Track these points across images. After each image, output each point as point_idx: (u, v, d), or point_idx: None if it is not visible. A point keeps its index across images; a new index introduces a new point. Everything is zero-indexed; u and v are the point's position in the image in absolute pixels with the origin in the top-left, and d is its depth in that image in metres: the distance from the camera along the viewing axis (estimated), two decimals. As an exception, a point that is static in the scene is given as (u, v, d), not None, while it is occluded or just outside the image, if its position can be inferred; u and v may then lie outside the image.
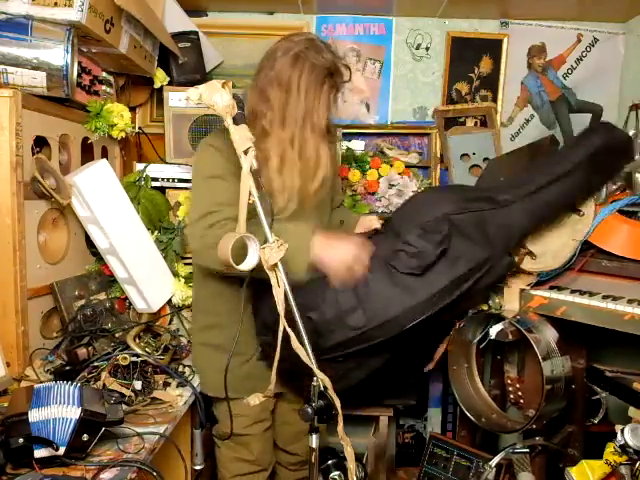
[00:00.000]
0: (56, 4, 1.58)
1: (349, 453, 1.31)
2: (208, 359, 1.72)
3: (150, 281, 1.92)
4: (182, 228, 2.15)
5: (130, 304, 1.98)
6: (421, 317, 1.49)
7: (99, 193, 1.80)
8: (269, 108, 1.57)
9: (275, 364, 1.41)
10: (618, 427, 1.44)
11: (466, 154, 2.63)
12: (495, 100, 2.74)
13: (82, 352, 1.65)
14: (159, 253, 2.03)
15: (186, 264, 2.12)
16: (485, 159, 2.59)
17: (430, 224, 1.55)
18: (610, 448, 1.45)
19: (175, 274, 2.05)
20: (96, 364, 1.61)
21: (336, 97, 1.66)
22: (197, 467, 1.83)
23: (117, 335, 1.80)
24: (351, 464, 1.31)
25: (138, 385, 1.56)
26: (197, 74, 2.42)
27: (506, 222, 1.63)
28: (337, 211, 1.97)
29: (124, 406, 1.45)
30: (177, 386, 1.69)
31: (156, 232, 2.14)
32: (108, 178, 1.87)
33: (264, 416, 1.77)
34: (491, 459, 1.84)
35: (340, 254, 1.50)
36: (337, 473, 1.69)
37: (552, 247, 1.76)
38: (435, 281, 1.51)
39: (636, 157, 1.88)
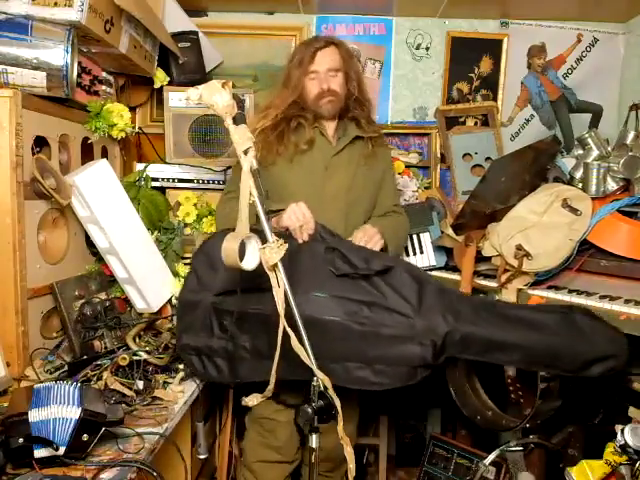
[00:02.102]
0: (56, 4, 1.58)
1: (349, 453, 1.31)
2: None
3: (150, 281, 1.91)
4: (182, 228, 2.16)
5: (131, 304, 1.98)
6: None
7: (99, 193, 1.80)
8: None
9: (275, 363, 1.42)
10: (618, 427, 1.44)
11: (468, 154, 2.63)
12: (495, 100, 2.74)
13: (97, 344, 1.70)
14: (159, 253, 2.03)
15: (186, 264, 2.12)
16: (487, 159, 2.59)
17: None
18: (610, 448, 1.45)
19: (175, 274, 2.06)
20: (99, 362, 1.62)
21: None
22: (201, 456, 1.87)
23: (122, 332, 1.81)
24: (351, 464, 1.31)
25: (140, 385, 1.56)
26: (197, 74, 2.42)
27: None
28: (382, 219, 1.97)
29: (124, 406, 1.45)
30: (180, 382, 1.69)
31: (156, 232, 2.14)
32: (108, 178, 1.87)
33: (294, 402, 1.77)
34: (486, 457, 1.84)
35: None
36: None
37: (549, 247, 1.76)
38: None
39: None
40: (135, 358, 1.63)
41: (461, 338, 1.49)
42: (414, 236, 2.23)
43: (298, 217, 1.65)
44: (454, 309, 1.52)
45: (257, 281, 1.51)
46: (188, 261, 2.13)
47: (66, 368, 1.62)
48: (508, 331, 1.52)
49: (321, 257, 1.60)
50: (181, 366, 1.75)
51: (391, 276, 1.56)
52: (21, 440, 1.17)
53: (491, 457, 1.82)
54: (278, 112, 1.85)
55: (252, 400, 1.43)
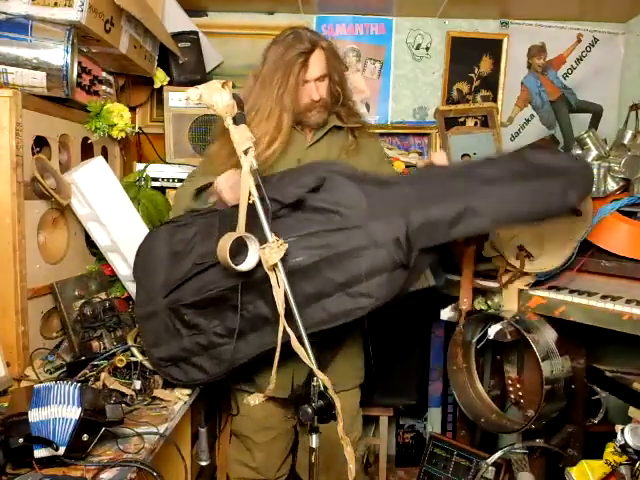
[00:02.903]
0: (56, 4, 1.58)
1: (349, 453, 1.31)
2: None
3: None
4: None
5: (131, 304, 1.97)
6: None
7: (97, 189, 1.79)
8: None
9: (275, 363, 1.42)
10: (618, 427, 1.44)
11: (467, 154, 2.63)
12: (495, 100, 2.74)
13: (95, 345, 1.68)
14: None
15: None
16: (486, 159, 2.59)
17: None
18: (610, 448, 1.45)
19: None
20: (96, 363, 1.62)
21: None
22: (203, 463, 1.86)
23: (122, 332, 1.80)
24: (351, 464, 1.31)
25: (138, 385, 1.56)
26: (197, 74, 2.42)
27: None
28: None
29: (124, 406, 1.45)
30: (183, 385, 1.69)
31: None
32: (105, 175, 1.87)
33: (269, 423, 1.75)
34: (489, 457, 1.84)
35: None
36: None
37: (550, 247, 1.76)
38: None
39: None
40: (132, 359, 1.63)
41: (423, 224, 1.39)
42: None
43: (225, 180, 1.56)
44: (404, 198, 1.43)
45: (197, 263, 1.51)
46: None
47: (66, 368, 1.62)
48: (467, 194, 1.42)
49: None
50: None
51: (327, 189, 1.44)
52: (21, 440, 1.16)
53: (494, 457, 1.82)
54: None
55: (254, 399, 1.43)
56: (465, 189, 1.45)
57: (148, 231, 1.79)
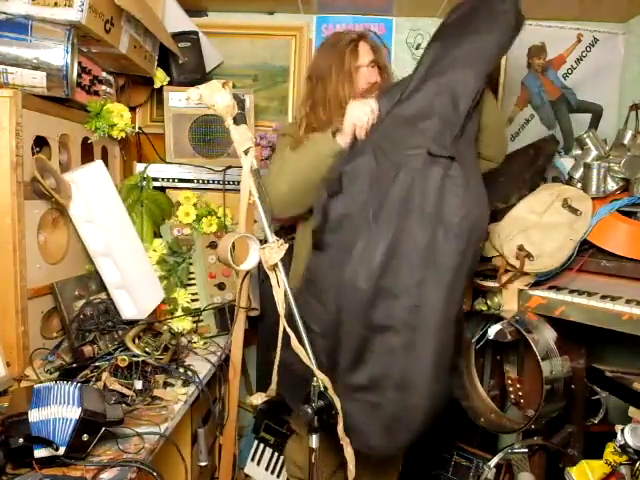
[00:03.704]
0: (56, 4, 1.58)
1: (349, 453, 1.31)
2: None
3: (141, 286, 1.90)
4: (189, 257, 2.15)
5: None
6: None
7: (95, 192, 1.80)
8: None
9: (276, 365, 1.42)
10: (618, 427, 1.44)
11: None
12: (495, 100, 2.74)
13: (88, 350, 1.66)
14: (148, 259, 2.03)
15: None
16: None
17: None
18: (610, 448, 1.45)
19: (174, 301, 2.07)
20: (97, 364, 1.62)
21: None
22: (202, 463, 1.86)
23: (120, 333, 1.80)
24: (351, 464, 1.31)
25: (139, 385, 1.56)
26: (197, 74, 2.42)
27: None
28: None
29: (124, 406, 1.45)
30: (182, 385, 1.69)
31: (163, 244, 2.13)
32: (103, 179, 1.87)
33: None
34: (491, 459, 1.84)
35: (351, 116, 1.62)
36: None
37: (550, 247, 1.76)
38: None
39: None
40: (134, 359, 1.63)
41: None
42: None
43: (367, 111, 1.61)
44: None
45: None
46: (191, 290, 2.15)
47: (59, 373, 1.60)
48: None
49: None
50: (181, 370, 1.76)
51: None
52: (21, 440, 1.17)
53: (496, 459, 1.82)
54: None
55: (257, 398, 1.43)
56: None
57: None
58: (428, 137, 1.50)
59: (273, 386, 1.45)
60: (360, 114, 1.60)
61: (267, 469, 2.48)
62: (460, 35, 1.63)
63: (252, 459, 2.53)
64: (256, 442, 2.55)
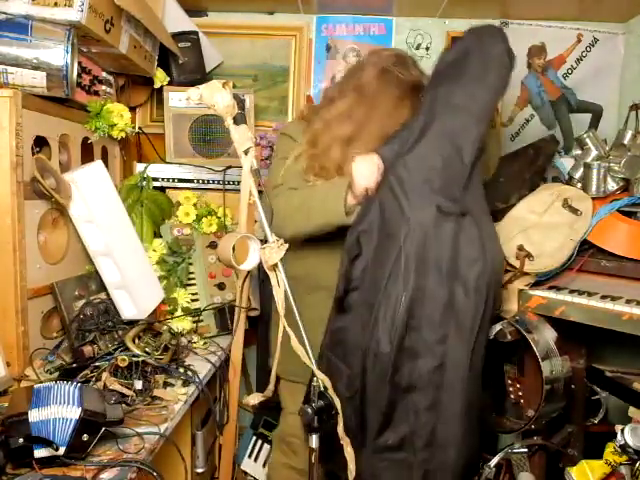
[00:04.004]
0: (56, 4, 1.58)
1: (349, 453, 1.31)
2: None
3: (141, 286, 1.90)
4: (189, 257, 2.15)
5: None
6: None
7: (95, 192, 1.80)
8: (352, 120, 1.65)
9: (275, 364, 1.42)
10: (618, 427, 1.44)
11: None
12: (495, 100, 2.74)
13: (88, 350, 1.66)
14: (147, 259, 2.04)
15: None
16: (485, 159, 2.59)
17: None
18: (610, 448, 1.45)
19: (174, 301, 2.07)
20: (97, 364, 1.62)
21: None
22: (199, 470, 1.83)
23: (120, 333, 1.80)
24: (351, 464, 1.31)
25: (139, 385, 1.56)
26: (197, 74, 2.42)
27: None
28: None
29: (124, 406, 1.45)
30: (182, 385, 1.69)
31: (163, 244, 2.13)
32: (103, 179, 1.87)
33: None
34: (491, 459, 1.84)
35: (359, 179, 1.55)
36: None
37: (550, 247, 1.76)
38: None
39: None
40: (134, 359, 1.63)
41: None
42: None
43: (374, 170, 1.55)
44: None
45: None
46: (191, 290, 2.15)
47: (59, 374, 1.60)
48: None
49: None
50: (181, 370, 1.76)
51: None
52: (21, 440, 1.16)
53: (496, 459, 1.82)
54: None
55: (254, 399, 1.43)
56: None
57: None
58: (436, 191, 1.47)
59: (271, 386, 1.45)
60: (368, 174, 1.54)
61: (264, 466, 2.45)
62: (456, 82, 1.59)
63: (249, 455, 2.51)
64: (254, 438, 2.54)
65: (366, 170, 1.54)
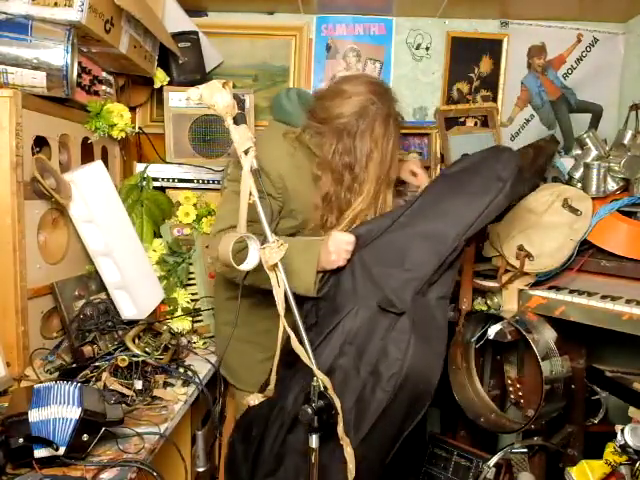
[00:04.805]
0: (56, 4, 1.58)
1: (349, 454, 1.31)
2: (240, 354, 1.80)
3: (141, 286, 1.90)
4: (189, 257, 2.15)
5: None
6: None
7: (95, 192, 1.80)
8: (355, 159, 1.63)
9: (275, 363, 1.42)
10: (618, 427, 1.44)
11: (467, 154, 2.63)
12: (495, 100, 2.74)
13: (88, 350, 1.66)
14: (147, 259, 2.04)
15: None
16: (486, 159, 2.59)
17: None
18: (610, 448, 1.45)
19: (174, 301, 2.07)
20: (97, 364, 1.61)
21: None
22: (200, 469, 1.83)
23: (120, 333, 1.80)
24: (351, 464, 1.31)
25: (139, 385, 1.56)
26: (197, 74, 2.42)
27: None
28: None
29: (124, 406, 1.45)
30: (182, 385, 1.69)
31: (163, 244, 2.13)
32: (103, 179, 1.87)
33: None
34: (490, 459, 1.84)
35: (327, 257, 1.57)
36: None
37: (550, 247, 1.76)
38: None
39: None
40: (134, 359, 1.63)
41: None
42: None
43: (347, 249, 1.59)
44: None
45: None
46: (191, 290, 2.15)
47: (59, 374, 1.61)
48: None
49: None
50: (181, 370, 1.76)
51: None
52: (21, 440, 1.17)
53: (495, 458, 1.82)
54: None
55: (254, 399, 1.43)
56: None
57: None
58: (390, 286, 1.52)
59: (271, 387, 1.45)
60: (342, 253, 1.57)
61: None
62: (453, 191, 1.61)
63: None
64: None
65: (342, 246, 1.57)
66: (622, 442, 1.41)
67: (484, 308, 1.84)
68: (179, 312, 2.07)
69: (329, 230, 1.66)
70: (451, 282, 1.58)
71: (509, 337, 1.74)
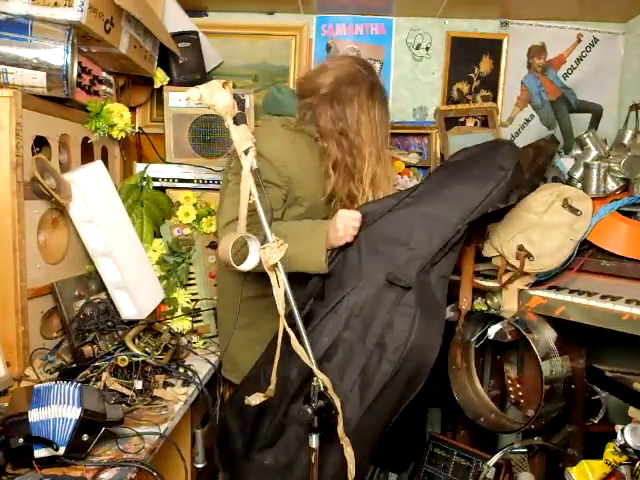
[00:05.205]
0: (56, 4, 1.58)
1: (349, 454, 1.31)
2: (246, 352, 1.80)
3: (141, 285, 1.90)
4: (189, 257, 2.15)
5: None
6: None
7: (95, 192, 1.80)
8: (347, 125, 1.71)
9: (276, 363, 1.42)
10: (618, 427, 1.44)
11: (466, 148, 2.62)
12: (495, 100, 2.74)
13: (87, 350, 1.66)
14: (148, 259, 2.04)
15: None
16: (485, 159, 2.59)
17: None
18: (610, 448, 1.45)
19: (173, 301, 2.07)
20: (97, 364, 1.61)
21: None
22: (199, 465, 1.85)
23: (120, 333, 1.80)
24: (351, 464, 1.31)
25: (139, 385, 1.56)
26: (197, 74, 2.42)
27: None
28: None
29: (124, 406, 1.45)
30: (182, 385, 1.69)
31: (163, 244, 2.13)
32: (103, 179, 1.87)
33: None
34: (490, 459, 1.84)
35: (335, 234, 1.63)
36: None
37: (550, 247, 1.76)
38: None
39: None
40: (134, 359, 1.63)
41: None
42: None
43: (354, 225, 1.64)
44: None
45: None
46: (191, 290, 2.15)
47: (59, 374, 1.60)
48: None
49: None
50: (181, 370, 1.76)
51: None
52: (21, 440, 1.17)
53: (495, 458, 1.82)
54: None
55: (255, 399, 1.43)
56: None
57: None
58: (395, 263, 1.58)
59: (272, 386, 1.45)
60: (349, 229, 1.63)
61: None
62: (457, 177, 1.70)
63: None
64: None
65: (350, 221, 1.63)
66: (622, 442, 1.41)
67: (484, 308, 1.84)
68: (179, 312, 2.07)
69: (354, 203, 1.73)
70: (452, 262, 1.63)
71: (509, 337, 1.74)
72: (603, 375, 1.87)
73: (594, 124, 2.72)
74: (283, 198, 1.73)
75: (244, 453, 1.59)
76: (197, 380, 1.73)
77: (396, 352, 1.47)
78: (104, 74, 2.09)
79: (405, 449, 2.28)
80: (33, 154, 1.63)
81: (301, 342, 1.30)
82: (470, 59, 2.73)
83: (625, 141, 1.99)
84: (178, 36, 2.37)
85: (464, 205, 1.62)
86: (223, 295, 2.00)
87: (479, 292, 1.88)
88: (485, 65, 2.73)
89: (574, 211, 1.80)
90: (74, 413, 1.21)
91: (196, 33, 2.46)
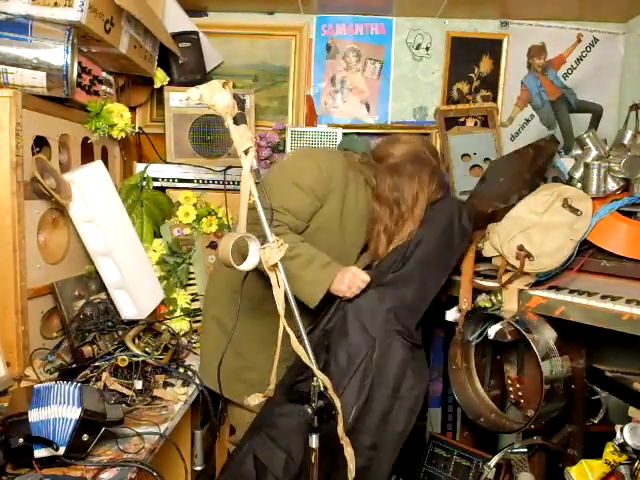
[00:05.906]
0: (56, 4, 1.58)
1: (349, 453, 1.31)
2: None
3: (141, 286, 1.90)
4: (189, 258, 2.15)
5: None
6: None
7: (95, 192, 1.80)
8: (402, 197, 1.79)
9: (275, 362, 1.41)
10: (618, 427, 1.44)
11: (467, 154, 2.63)
12: (495, 100, 2.74)
13: (87, 350, 1.66)
14: (147, 259, 2.04)
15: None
16: (486, 159, 2.59)
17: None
18: (610, 448, 1.45)
19: (173, 301, 2.07)
20: (97, 364, 1.62)
21: None
22: (197, 468, 1.83)
23: (120, 333, 1.80)
24: (351, 464, 1.31)
25: (139, 385, 1.56)
26: (197, 74, 2.42)
27: None
28: None
29: (124, 406, 1.45)
30: (182, 385, 1.69)
31: (163, 244, 2.13)
32: (103, 179, 1.88)
33: None
34: (491, 459, 1.84)
35: (340, 284, 1.67)
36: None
37: (550, 247, 1.76)
38: None
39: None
40: (134, 359, 1.63)
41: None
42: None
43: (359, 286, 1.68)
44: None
45: None
46: (191, 290, 2.15)
47: (58, 374, 1.61)
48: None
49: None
50: (181, 370, 1.76)
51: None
52: (21, 440, 1.17)
53: (496, 459, 1.82)
54: None
55: (254, 399, 1.42)
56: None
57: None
58: (399, 319, 1.67)
59: (271, 386, 1.45)
60: (354, 288, 1.67)
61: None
62: (444, 245, 1.81)
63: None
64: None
65: (357, 282, 1.67)
66: (621, 441, 1.41)
67: (488, 305, 1.83)
68: (179, 312, 2.07)
69: (377, 258, 1.82)
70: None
71: (509, 337, 1.74)
72: (603, 375, 1.87)
73: (594, 124, 2.72)
74: (313, 211, 1.73)
75: None
76: (197, 380, 1.73)
77: (417, 400, 1.62)
78: (104, 74, 2.09)
79: (405, 449, 2.27)
80: (33, 154, 1.63)
81: (301, 342, 1.30)
82: (470, 59, 2.73)
83: (625, 141, 1.99)
84: (178, 36, 2.38)
85: (449, 266, 1.80)
86: (215, 306, 1.93)
87: (479, 292, 1.88)
88: (485, 65, 2.73)
89: (574, 211, 1.80)
90: (74, 413, 1.21)
91: (196, 33, 2.46)
